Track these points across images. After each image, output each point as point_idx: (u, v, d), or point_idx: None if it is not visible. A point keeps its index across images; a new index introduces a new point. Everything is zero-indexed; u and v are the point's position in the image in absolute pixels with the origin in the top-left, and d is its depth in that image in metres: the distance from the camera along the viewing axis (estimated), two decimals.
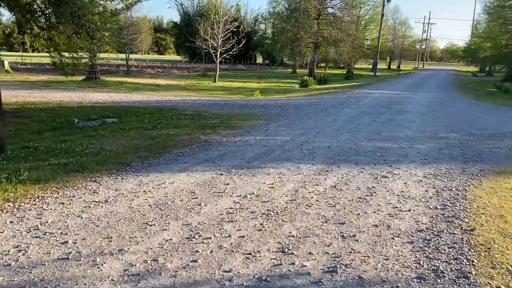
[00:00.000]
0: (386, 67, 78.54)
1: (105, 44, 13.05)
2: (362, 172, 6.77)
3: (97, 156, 7.11)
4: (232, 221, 4.56)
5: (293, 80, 36.11)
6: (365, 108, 15.72)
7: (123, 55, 58.67)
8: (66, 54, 12.80)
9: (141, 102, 16.65)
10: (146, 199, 5.18)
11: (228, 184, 5.90)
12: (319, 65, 60.54)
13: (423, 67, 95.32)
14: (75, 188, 5.52)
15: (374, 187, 5.97)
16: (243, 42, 29.86)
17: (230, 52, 29.02)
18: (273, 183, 5.99)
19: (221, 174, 6.36)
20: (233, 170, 6.57)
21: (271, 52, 60.11)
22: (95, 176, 6.07)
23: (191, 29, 37.26)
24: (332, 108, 15.53)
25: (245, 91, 25.04)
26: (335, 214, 4.89)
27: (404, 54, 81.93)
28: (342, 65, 67.72)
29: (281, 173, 6.55)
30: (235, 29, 29.74)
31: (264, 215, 4.77)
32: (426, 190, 5.91)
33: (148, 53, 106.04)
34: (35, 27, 10.88)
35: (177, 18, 72.23)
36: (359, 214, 4.90)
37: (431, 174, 6.79)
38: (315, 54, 35.19)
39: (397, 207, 5.17)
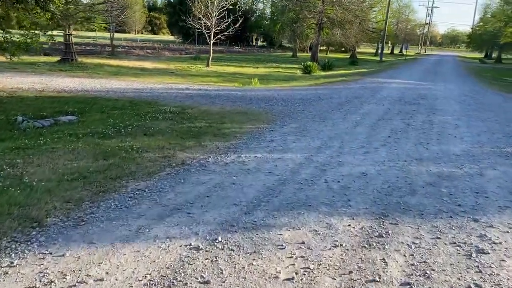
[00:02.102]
0: (389, 51, 75.34)
1: (65, 18, 10.14)
2: (438, 238, 4.01)
3: None
4: None
5: (294, 65, 33.04)
6: (388, 104, 12.88)
7: (116, 35, 55.11)
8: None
9: (116, 91, 13.72)
10: None
11: (207, 281, 3.12)
12: (320, 48, 57.28)
13: (425, 52, 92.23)
14: None
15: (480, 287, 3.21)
16: (240, 21, 26.69)
17: (225, 33, 25.86)
18: (292, 277, 3.22)
19: (199, 249, 3.56)
20: (219, 238, 3.77)
21: (269, 34, 56.69)
22: None
23: (185, 8, 34.00)
24: (348, 103, 12.68)
25: (241, 77, 22.05)
26: None
27: (407, 39, 78.69)
28: (344, 49, 64.56)
29: (303, 242, 3.76)
30: (231, 7, 26.53)
31: None
32: None
33: (141, 33, 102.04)
34: None
35: None
36: None
37: None
38: (318, 37, 32.06)
39: None
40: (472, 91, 17.94)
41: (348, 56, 49.25)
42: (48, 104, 10.72)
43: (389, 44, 79.44)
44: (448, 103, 13.68)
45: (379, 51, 63.03)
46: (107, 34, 44.90)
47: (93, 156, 6.06)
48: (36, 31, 11.43)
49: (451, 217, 4.53)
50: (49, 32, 12.85)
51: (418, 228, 4.20)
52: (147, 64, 26.26)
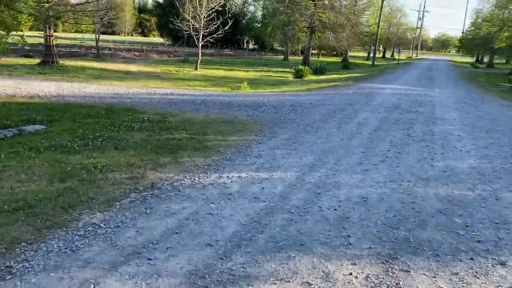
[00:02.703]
0: (381, 55, 75.01)
1: (33, 18, 9.21)
2: None
3: None
4: None
5: (286, 69, 32.27)
6: (384, 112, 12.12)
7: (104, 36, 53.90)
8: None
9: (95, 96, 12.79)
10: None
11: None
12: (311, 52, 56.63)
13: (417, 56, 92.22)
14: None
15: None
16: (230, 23, 25.86)
17: (215, 35, 25.01)
18: None
19: None
20: None
21: (261, 37, 55.95)
22: None
23: (175, 9, 33.14)
24: (342, 111, 11.89)
25: (230, 81, 21.23)
26: None
27: (399, 43, 78.52)
28: (335, 53, 64.03)
29: None
30: (220, 9, 25.70)
31: None
32: None
33: (132, 35, 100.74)
34: None
35: None
36: None
37: None
38: (310, 40, 31.33)
39: None
40: (469, 97, 17.29)
41: (340, 60, 48.64)
42: (15, 112, 9.78)
43: (381, 48, 79.20)
44: (447, 111, 12.96)
45: (371, 55, 62.82)
46: (91, 36, 43.80)
47: (49, 177, 5.17)
48: (1, 32, 10.47)
49: (472, 259, 3.72)
50: (20, 33, 11.83)
51: (434, 277, 3.38)
52: (133, 67, 25.30)
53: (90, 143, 6.99)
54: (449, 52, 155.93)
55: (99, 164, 5.72)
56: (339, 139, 8.21)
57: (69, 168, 5.55)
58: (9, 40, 11.96)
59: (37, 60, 22.59)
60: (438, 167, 6.62)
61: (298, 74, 25.99)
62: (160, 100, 12.74)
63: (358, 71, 33.41)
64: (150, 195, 4.72)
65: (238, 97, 14.47)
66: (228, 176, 5.54)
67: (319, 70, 29.38)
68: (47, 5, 12.79)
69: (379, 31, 41.46)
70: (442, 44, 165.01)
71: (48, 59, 20.77)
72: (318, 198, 4.94)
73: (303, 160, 6.58)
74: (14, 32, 11.92)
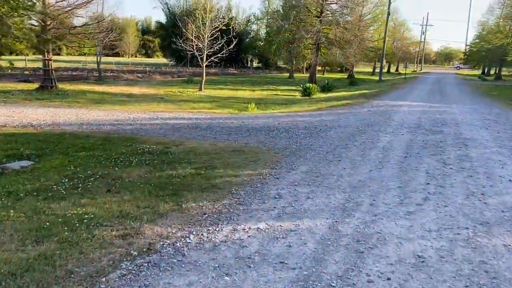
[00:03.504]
0: (386, 70, 74.28)
1: (21, 40, 8.33)
2: None
3: None
4: None
5: (292, 87, 31.41)
6: (407, 133, 11.05)
7: (107, 58, 53.55)
8: None
9: (93, 124, 11.86)
10: None
11: None
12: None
13: (421, 70, 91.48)
14: None
15: None
16: (234, 43, 25.07)
17: (219, 55, 24.22)
18: None
19: None
20: None
21: (265, 55, 55.43)
22: None
23: (178, 30, 32.62)
24: (362, 133, 10.84)
25: (236, 102, 20.30)
26: None
27: (403, 57, 77.91)
28: (340, 69, 63.34)
29: None
30: (224, 27, 24.98)
31: None
32: None
33: (135, 56, 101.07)
34: None
35: (164, 19, 67.20)
36: None
37: None
38: (317, 57, 30.52)
39: None
40: (492, 113, 16.18)
41: (346, 76, 47.84)
42: (1, 145, 8.80)
43: (384, 63, 78.56)
44: (474, 130, 11.87)
45: (377, 70, 62.03)
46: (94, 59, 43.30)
47: (22, 237, 4.13)
48: None
49: None
50: (8, 57, 10.96)
51: None
52: (135, 90, 24.49)
53: (80, 185, 5.96)
54: (453, 65, 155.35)
55: (86, 216, 4.68)
56: (367, 170, 7.13)
57: (48, 222, 4.51)
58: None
59: (36, 85, 21.84)
60: (494, 206, 5.51)
61: (306, 92, 25.07)
62: (163, 126, 11.77)
63: (366, 87, 32.44)
64: (146, 264, 3.65)
65: (246, 119, 13.48)
66: (244, 229, 4.47)
67: (327, 87, 28.44)
68: (38, 28, 11.97)
69: (385, 46, 40.66)
70: (445, 57, 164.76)
71: (47, 84, 19.98)
72: (363, 260, 3.85)
73: (331, 200, 5.50)
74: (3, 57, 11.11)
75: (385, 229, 4.60)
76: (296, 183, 6.22)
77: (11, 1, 7.57)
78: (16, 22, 9.11)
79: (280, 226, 4.57)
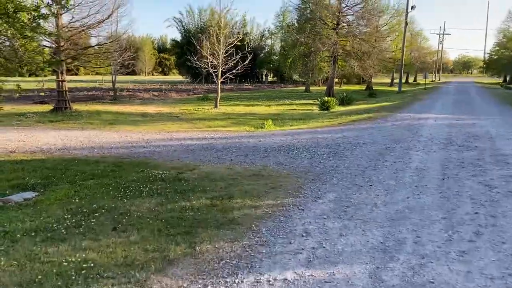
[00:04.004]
0: (404, 81, 73.03)
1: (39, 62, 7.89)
2: None
3: None
4: None
5: (309, 101, 30.75)
6: (439, 149, 10.20)
7: (123, 77, 53.84)
8: None
9: (104, 147, 11.36)
10: None
11: None
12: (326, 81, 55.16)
13: (439, 79, 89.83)
14: None
15: None
16: (249, 58, 24.60)
17: (234, 71, 23.76)
18: None
19: None
20: None
21: (280, 69, 55.02)
22: None
23: (192, 48, 32.51)
24: (390, 151, 10.04)
25: (253, 118, 19.72)
26: None
27: (421, 67, 76.63)
28: (356, 80, 62.47)
29: None
30: (239, 43, 24.57)
31: None
32: None
33: (152, 74, 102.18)
34: None
35: (179, 37, 67.76)
36: None
37: None
38: (334, 69, 29.84)
39: None
40: None
41: (364, 88, 46.96)
42: (7, 174, 8.32)
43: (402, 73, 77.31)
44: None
45: (395, 81, 60.93)
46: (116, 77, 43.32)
47: None
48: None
49: None
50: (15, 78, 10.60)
51: None
52: (151, 109, 24.18)
53: (83, 222, 5.35)
54: (471, 73, 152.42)
55: (85, 265, 4.03)
56: (404, 197, 6.34)
57: (42, 273, 3.88)
58: (8, 86, 10.74)
59: (51, 107, 21.69)
60: None
61: (324, 106, 24.35)
62: (177, 147, 11.19)
63: (386, 99, 31.50)
64: None
65: (264, 138, 12.82)
66: (268, 280, 3.75)
67: (345, 100, 27.68)
68: (48, 50, 11.68)
69: (403, 56, 39.73)
70: (463, 66, 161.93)
71: (61, 105, 19.77)
72: None
73: (368, 238, 4.74)
74: (9, 78, 10.80)
75: (438, 277, 3.81)
76: (324, 216, 5.48)
77: (16, 24, 7.09)
78: (24, 44, 8.68)
79: (312, 276, 3.83)
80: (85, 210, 5.85)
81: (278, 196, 6.33)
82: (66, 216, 5.60)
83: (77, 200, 6.38)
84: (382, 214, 5.56)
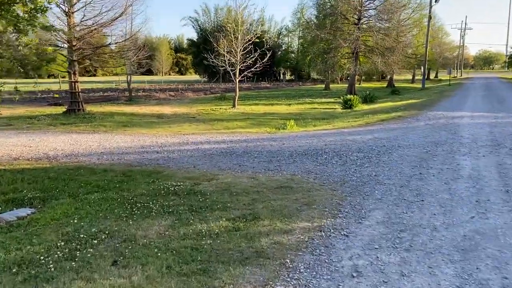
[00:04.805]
0: (425, 77, 70.76)
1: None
2: None
3: None
4: None
5: (330, 99, 29.51)
6: (489, 154, 8.95)
7: (140, 77, 53.33)
8: None
9: (114, 153, 10.46)
10: None
11: None
12: (347, 78, 53.52)
13: (461, 75, 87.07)
14: None
15: None
16: (268, 55, 23.49)
17: (252, 69, 22.69)
18: None
19: None
20: None
21: (298, 67, 53.73)
22: None
23: (209, 46, 31.70)
24: (433, 156, 8.84)
25: (273, 119, 18.66)
26: None
27: (443, 62, 74.23)
28: (375, 77, 60.72)
29: None
30: (257, 40, 23.51)
31: None
32: None
33: (169, 74, 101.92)
34: None
35: (195, 36, 67.03)
36: None
37: None
38: (356, 66, 28.50)
39: None
40: None
41: (385, 85, 45.36)
42: (3, 186, 7.44)
43: (422, 70, 75.02)
44: None
45: (416, 78, 58.93)
46: (132, 78, 42.71)
47: None
48: None
49: None
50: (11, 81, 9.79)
51: None
52: (167, 109, 23.33)
53: (78, 252, 4.39)
54: (493, 69, 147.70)
55: None
56: (467, 217, 5.19)
57: None
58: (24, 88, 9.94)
59: (65, 109, 21.03)
60: None
61: (347, 105, 23.13)
62: (193, 153, 10.20)
63: (410, 96, 29.99)
64: None
65: (287, 140, 11.75)
66: None
67: (368, 98, 26.35)
68: (51, 49, 10.87)
69: (427, 52, 38.02)
70: (484, 61, 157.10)
71: (73, 107, 19.04)
72: None
73: (439, 280, 3.62)
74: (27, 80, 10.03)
75: None
76: (375, 245, 4.38)
77: (7, 15, 6.18)
78: (26, 42, 7.80)
79: None
80: (83, 235, 4.89)
81: (313, 216, 5.25)
82: (59, 244, 4.65)
83: (75, 221, 5.43)
84: (447, 241, 4.43)
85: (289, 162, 8.78)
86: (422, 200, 5.85)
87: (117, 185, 7.24)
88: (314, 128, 15.11)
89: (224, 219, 5.24)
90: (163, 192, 6.61)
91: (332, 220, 5.13)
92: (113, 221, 5.37)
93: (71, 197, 6.75)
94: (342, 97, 24.60)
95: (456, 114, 16.50)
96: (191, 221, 5.21)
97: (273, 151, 10.09)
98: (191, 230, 4.90)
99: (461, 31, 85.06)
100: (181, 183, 7.15)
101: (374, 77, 60.14)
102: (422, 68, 41.58)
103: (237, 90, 24.01)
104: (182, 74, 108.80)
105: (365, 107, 23.47)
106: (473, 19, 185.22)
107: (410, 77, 61.03)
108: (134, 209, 5.79)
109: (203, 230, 4.88)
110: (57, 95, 24.60)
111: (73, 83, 18.75)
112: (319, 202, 5.84)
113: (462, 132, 12.14)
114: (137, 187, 7.07)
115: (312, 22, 37.99)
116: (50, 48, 11.26)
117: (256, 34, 23.53)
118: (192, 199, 6.17)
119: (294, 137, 12.53)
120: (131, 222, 5.27)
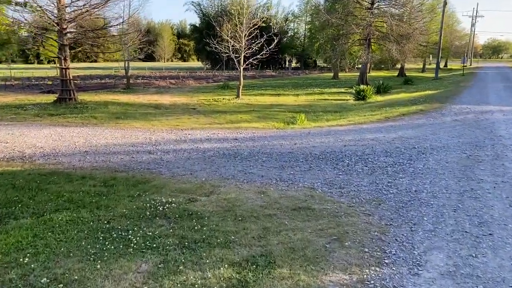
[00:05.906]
0: (434, 66, 68.69)
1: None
2: None
3: None
4: None
5: (340, 89, 27.85)
6: None
7: (141, 64, 51.61)
8: None
9: (99, 152, 9.01)
10: None
11: None
12: (356, 66, 51.58)
13: (471, 64, 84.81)
14: None
15: None
16: (276, 41, 21.83)
17: (258, 56, 21.04)
18: None
19: None
20: None
21: (305, 55, 51.84)
22: None
23: (212, 31, 30.06)
24: (477, 163, 7.34)
25: (280, 111, 17.15)
26: None
27: (454, 51, 71.97)
28: (383, 66, 58.80)
29: None
30: (264, 24, 21.83)
31: None
32: None
33: (171, 61, 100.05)
34: None
35: (198, 21, 64.80)
36: None
37: None
38: (368, 54, 26.78)
39: None
40: None
41: (396, 75, 43.56)
42: None
43: (431, 58, 72.69)
44: None
45: (427, 66, 57.00)
46: (133, 64, 41.07)
47: None
48: None
49: None
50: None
51: None
52: (166, 98, 21.81)
53: None
54: (501, 58, 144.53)
55: None
56: None
57: None
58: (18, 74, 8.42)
59: (51, 97, 19.52)
60: None
61: (360, 96, 21.55)
62: (191, 154, 8.74)
63: (425, 86, 28.29)
64: None
65: (299, 139, 10.27)
66: None
67: (382, 88, 24.72)
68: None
69: (441, 40, 36.13)
70: (493, 50, 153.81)
71: (64, 96, 17.55)
72: None
73: None
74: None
75: None
76: None
77: None
78: None
79: None
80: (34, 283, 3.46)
81: (350, 263, 3.79)
82: None
83: (26, 260, 4.01)
84: None
85: (305, 169, 7.32)
86: (491, 234, 4.39)
87: (94, 200, 5.80)
88: (328, 124, 13.59)
89: (226, 264, 3.79)
90: (148, 213, 5.18)
91: (378, 269, 3.67)
92: (76, 261, 3.95)
93: (34, 216, 5.33)
94: (354, 87, 23.02)
95: (484, 109, 14.92)
96: (181, 267, 3.77)
97: (284, 154, 8.62)
98: (179, 284, 3.46)
99: (472, 19, 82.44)
100: (173, 198, 5.71)
101: (383, 66, 58.24)
102: (434, 56, 39.71)
103: (241, 78, 22.42)
104: (184, 60, 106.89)
105: (379, 98, 21.86)
106: (484, 7, 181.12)
107: (420, 66, 59.05)
108: (107, 242, 4.35)
109: (196, 286, 3.43)
110: (50, 82, 23.08)
111: (63, 70, 17.23)
112: (354, 236, 4.39)
113: (500, 130, 10.62)
114: (118, 203, 5.63)
115: (322, 6, 36.13)
116: (22, 29, 9.75)
117: (262, 18, 21.83)
118: (185, 227, 4.73)
119: (307, 135, 11.05)
120: (99, 266, 3.84)
